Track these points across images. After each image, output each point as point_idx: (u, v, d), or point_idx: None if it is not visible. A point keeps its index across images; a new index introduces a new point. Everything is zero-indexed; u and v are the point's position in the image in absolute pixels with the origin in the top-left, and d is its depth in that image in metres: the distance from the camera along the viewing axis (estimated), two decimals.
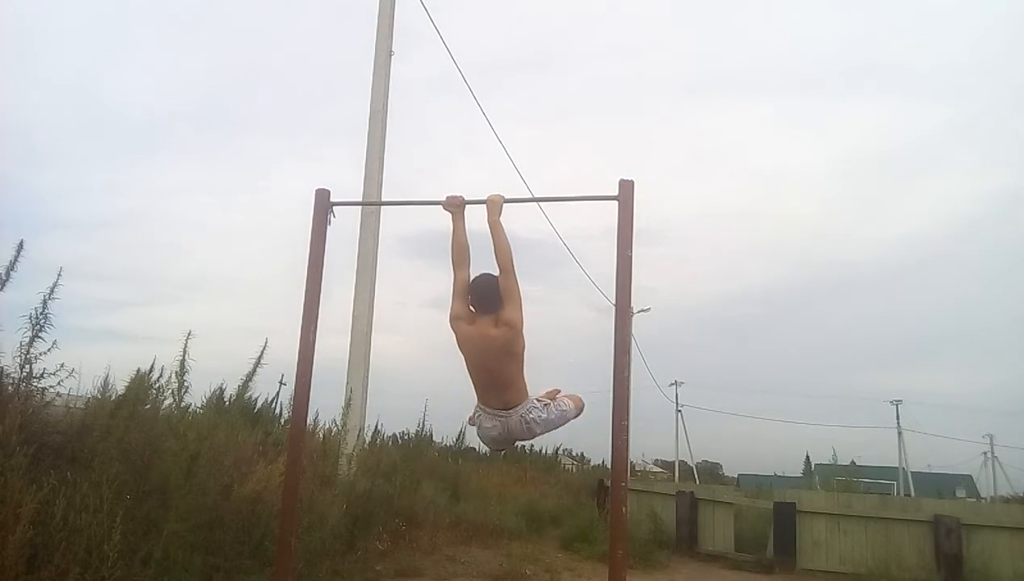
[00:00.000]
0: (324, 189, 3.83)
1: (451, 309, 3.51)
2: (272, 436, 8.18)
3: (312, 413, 8.60)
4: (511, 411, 3.44)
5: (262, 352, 7.28)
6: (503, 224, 3.49)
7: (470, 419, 3.65)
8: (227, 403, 7.87)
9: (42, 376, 4.88)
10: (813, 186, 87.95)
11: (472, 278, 3.53)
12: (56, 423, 5.13)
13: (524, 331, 3.44)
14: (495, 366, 3.42)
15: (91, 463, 4.65)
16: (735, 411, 53.13)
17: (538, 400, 3.54)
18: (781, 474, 40.01)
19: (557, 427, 3.63)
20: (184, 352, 5.96)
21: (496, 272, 3.47)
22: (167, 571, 4.66)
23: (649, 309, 30.52)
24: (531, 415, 3.47)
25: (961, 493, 35.79)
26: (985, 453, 44.93)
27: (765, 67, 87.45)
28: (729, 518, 11.97)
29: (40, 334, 4.83)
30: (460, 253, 3.58)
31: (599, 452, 27.39)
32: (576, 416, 3.75)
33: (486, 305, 3.44)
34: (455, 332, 3.49)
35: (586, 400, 3.84)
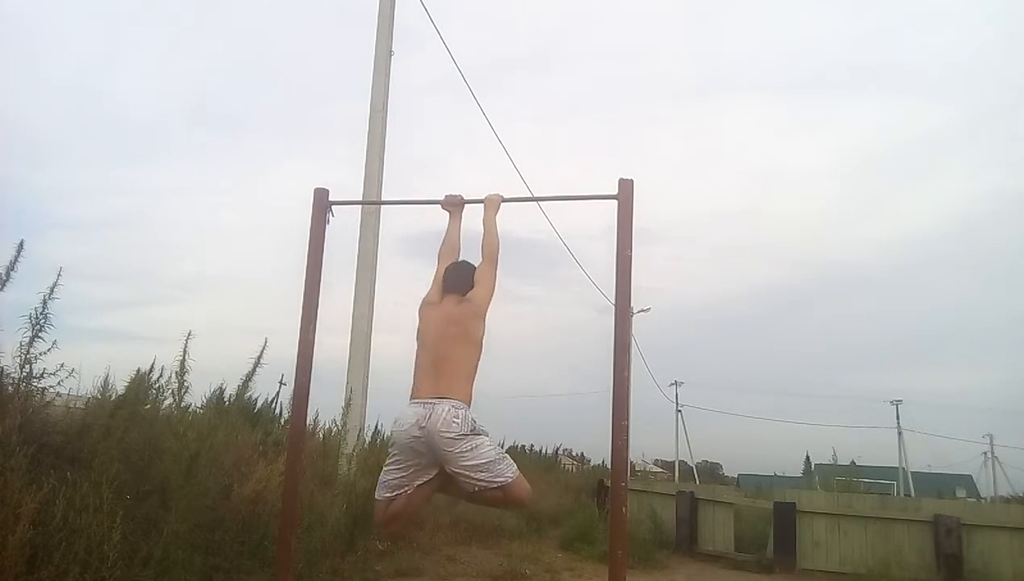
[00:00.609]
0: (323, 188, 3.82)
1: (424, 296, 3.43)
2: (272, 436, 8.18)
3: (312, 413, 8.58)
4: (443, 400, 2.98)
5: (262, 352, 7.25)
6: (499, 224, 3.49)
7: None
8: (227, 403, 7.85)
9: (42, 376, 4.87)
10: (813, 186, 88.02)
11: (454, 262, 3.48)
12: (56, 423, 5.13)
13: (486, 332, 3.22)
14: (445, 345, 3.14)
15: (91, 463, 4.65)
16: (735, 411, 53.07)
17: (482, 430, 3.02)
18: (781, 474, 40.00)
19: (480, 472, 2.91)
20: (184, 352, 5.94)
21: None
22: (167, 571, 4.66)
23: (649, 309, 30.53)
24: (463, 412, 2.96)
25: (961, 493, 35.78)
26: (985, 453, 45.02)
27: (765, 67, 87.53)
28: (729, 518, 11.97)
29: (40, 334, 4.82)
30: (449, 249, 3.59)
31: (599, 452, 27.43)
32: (508, 486, 2.95)
33: (456, 285, 3.35)
34: (419, 318, 3.33)
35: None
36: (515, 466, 3.04)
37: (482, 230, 3.49)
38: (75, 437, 5.08)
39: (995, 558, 9.52)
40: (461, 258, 3.56)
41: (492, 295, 3.32)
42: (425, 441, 2.95)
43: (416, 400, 3.06)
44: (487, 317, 3.28)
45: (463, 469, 2.93)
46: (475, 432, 2.97)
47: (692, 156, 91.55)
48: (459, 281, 3.36)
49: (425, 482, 3.08)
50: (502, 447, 3.09)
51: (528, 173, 14.13)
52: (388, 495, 3.09)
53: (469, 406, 3.05)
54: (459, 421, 2.93)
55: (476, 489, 2.97)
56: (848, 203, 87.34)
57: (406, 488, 3.07)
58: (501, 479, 2.95)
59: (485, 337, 3.25)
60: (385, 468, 3.15)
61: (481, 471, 2.93)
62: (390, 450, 3.15)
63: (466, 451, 2.92)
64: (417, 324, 3.32)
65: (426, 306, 3.38)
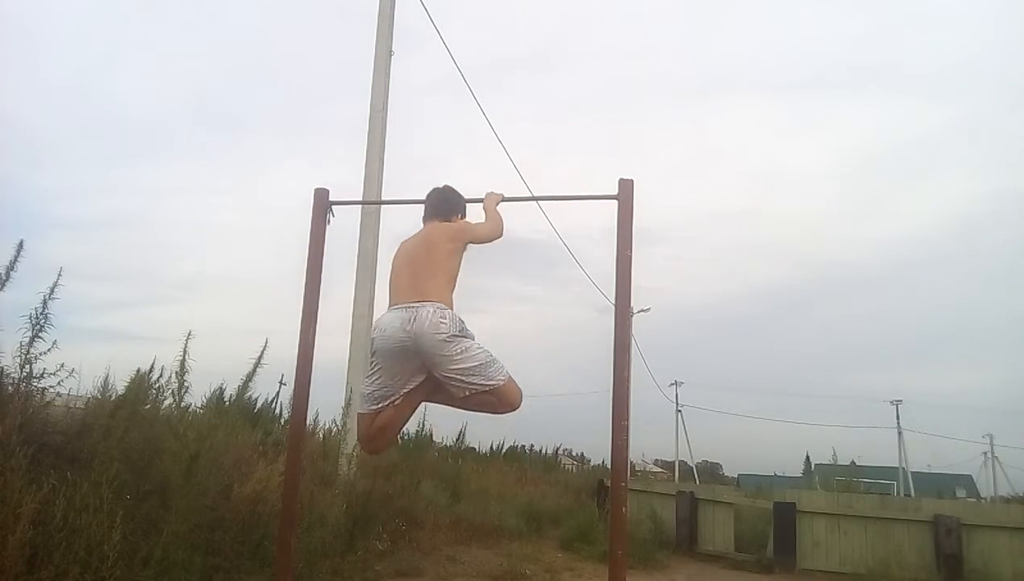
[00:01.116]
0: (323, 188, 3.82)
1: None
2: (272, 436, 8.18)
3: (312, 413, 8.60)
4: (425, 302, 2.87)
5: (262, 352, 7.27)
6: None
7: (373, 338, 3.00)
8: (227, 403, 7.87)
9: (42, 376, 4.88)
10: (813, 186, 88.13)
11: None
12: (56, 423, 5.13)
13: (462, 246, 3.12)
14: (422, 256, 3.05)
15: (91, 463, 4.65)
16: (735, 411, 53.26)
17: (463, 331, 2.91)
18: (781, 474, 40.06)
19: (472, 375, 2.82)
20: (184, 352, 5.95)
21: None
22: (167, 571, 4.66)
23: (649, 309, 30.59)
24: (449, 313, 2.87)
25: (961, 493, 35.81)
26: (985, 453, 45.07)
27: (765, 67, 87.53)
28: (729, 518, 11.97)
29: (40, 334, 4.82)
30: None
31: (599, 452, 27.44)
32: (500, 389, 2.89)
33: (436, 209, 3.28)
34: (392, 263, 3.20)
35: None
36: (506, 369, 2.93)
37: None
38: (75, 437, 5.08)
39: (995, 558, 9.51)
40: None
41: (479, 236, 3.21)
42: (412, 345, 2.83)
43: (396, 306, 2.95)
44: (466, 248, 3.17)
45: (454, 373, 2.82)
46: (463, 334, 2.88)
47: (692, 156, 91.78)
48: (440, 204, 3.29)
49: (413, 389, 2.96)
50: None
51: (528, 173, 14.17)
52: (375, 407, 2.96)
53: (452, 310, 2.95)
54: (447, 322, 2.83)
55: (468, 393, 2.87)
56: (848, 203, 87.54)
57: (393, 398, 2.95)
58: (493, 382, 2.86)
59: (463, 260, 3.17)
60: (368, 380, 3.01)
61: (473, 374, 2.83)
62: (372, 360, 3.01)
63: (457, 353, 2.82)
64: (392, 266, 3.21)
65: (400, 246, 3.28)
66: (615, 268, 3.33)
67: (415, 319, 2.82)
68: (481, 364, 2.85)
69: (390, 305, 3.02)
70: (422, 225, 3.35)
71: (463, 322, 2.92)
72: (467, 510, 10.53)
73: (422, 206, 3.86)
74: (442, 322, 2.82)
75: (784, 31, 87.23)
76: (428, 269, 2.99)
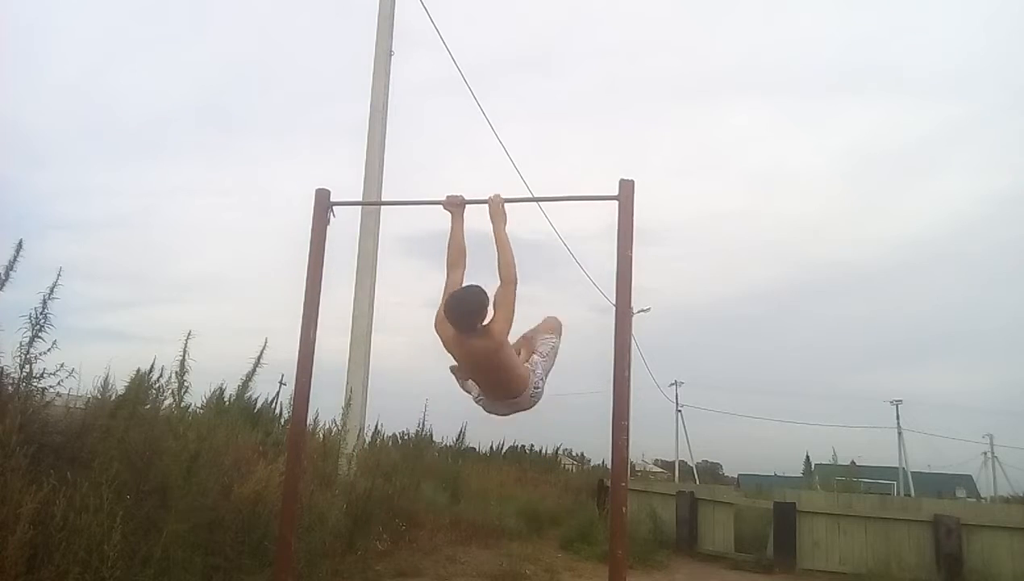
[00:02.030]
0: (324, 189, 3.83)
1: (437, 312, 3.36)
2: (272, 436, 8.18)
3: (312, 413, 8.59)
4: (520, 397, 3.48)
5: (262, 352, 7.28)
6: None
7: (474, 397, 3.60)
8: (227, 403, 7.87)
9: (42, 376, 4.88)
10: (813, 186, 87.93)
11: (455, 290, 3.36)
12: (56, 423, 5.13)
13: (507, 340, 3.42)
14: (491, 374, 3.41)
15: (91, 463, 4.66)
16: (735, 411, 53.16)
17: (531, 364, 3.55)
18: (781, 474, 40.07)
19: (554, 362, 3.70)
20: (184, 352, 5.94)
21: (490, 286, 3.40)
22: (167, 571, 4.67)
23: (649, 309, 30.44)
24: (539, 388, 3.53)
25: (961, 493, 35.84)
26: (985, 453, 44.96)
27: (765, 67, 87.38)
28: (729, 518, 11.97)
29: (40, 334, 4.83)
30: (456, 254, 3.55)
31: (599, 452, 27.43)
32: (559, 339, 3.75)
33: (465, 324, 3.22)
34: (439, 335, 3.38)
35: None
36: (548, 338, 3.71)
37: (485, 232, 3.46)
38: (75, 437, 5.09)
39: (995, 558, 9.52)
40: (467, 259, 3.55)
41: (512, 318, 3.34)
42: (516, 410, 3.59)
43: (497, 404, 3.55)
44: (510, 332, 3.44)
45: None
46: (543, 378, 3.56)
47: (692, 156, 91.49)
48: (467, 317, 3.21)
49: None
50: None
51: (528, 173, 14.12)
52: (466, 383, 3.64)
53: (529, 375, 3.47)
54: (537, 390, 3.51)
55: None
56: (848, 203, 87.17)
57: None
58: (558, 348, 3.74)
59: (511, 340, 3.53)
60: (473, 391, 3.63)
61: (553, 363, 3.71)
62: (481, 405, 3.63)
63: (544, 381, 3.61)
64: (440, 340, 3.42)
65: (441, 325, 3.32)
66: (615, 268, 3.34)
67: (519, 406, 3.54)
68: (552, 359, 3.68)
69: (486, 396, 3.54)
70: (455, 331, 3.29)
71: (531, 373, 3.49)
72: (467, 510, 10.54)
73: (424, 207, 3.89)
74: (536, 392, 3.51)
75: (784, 31, 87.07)
76: (505, 379, 3.43)
